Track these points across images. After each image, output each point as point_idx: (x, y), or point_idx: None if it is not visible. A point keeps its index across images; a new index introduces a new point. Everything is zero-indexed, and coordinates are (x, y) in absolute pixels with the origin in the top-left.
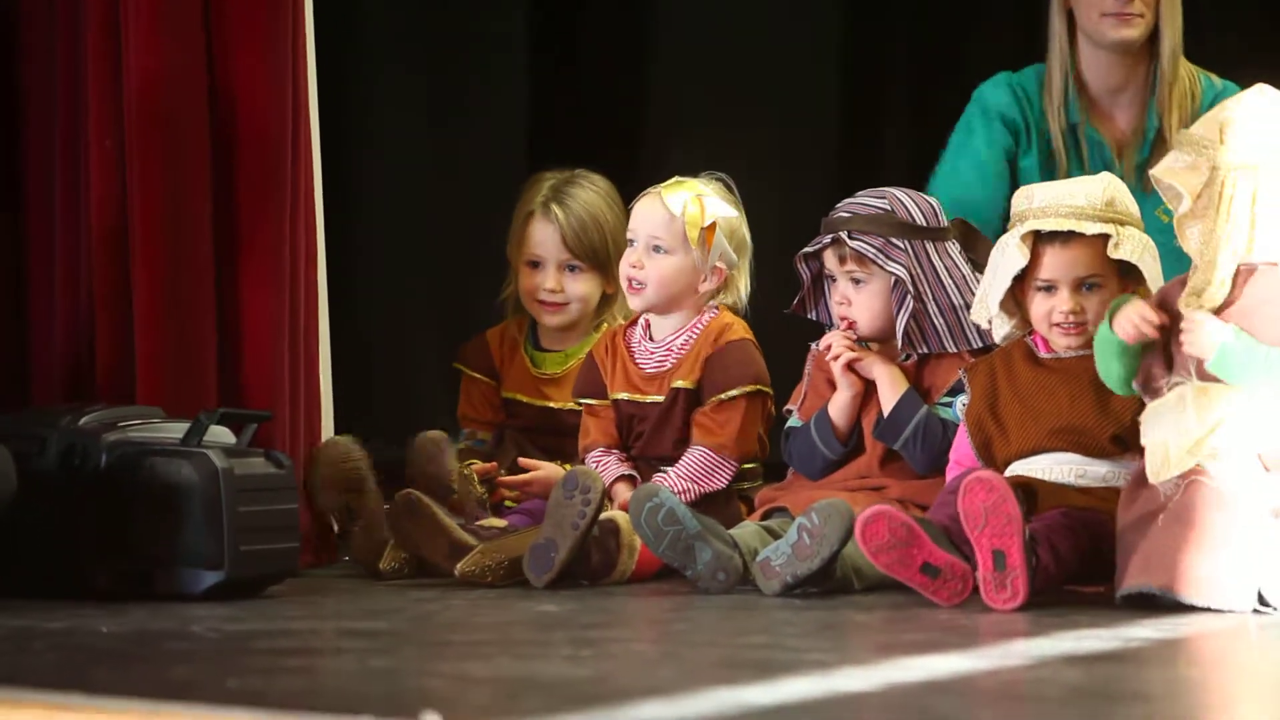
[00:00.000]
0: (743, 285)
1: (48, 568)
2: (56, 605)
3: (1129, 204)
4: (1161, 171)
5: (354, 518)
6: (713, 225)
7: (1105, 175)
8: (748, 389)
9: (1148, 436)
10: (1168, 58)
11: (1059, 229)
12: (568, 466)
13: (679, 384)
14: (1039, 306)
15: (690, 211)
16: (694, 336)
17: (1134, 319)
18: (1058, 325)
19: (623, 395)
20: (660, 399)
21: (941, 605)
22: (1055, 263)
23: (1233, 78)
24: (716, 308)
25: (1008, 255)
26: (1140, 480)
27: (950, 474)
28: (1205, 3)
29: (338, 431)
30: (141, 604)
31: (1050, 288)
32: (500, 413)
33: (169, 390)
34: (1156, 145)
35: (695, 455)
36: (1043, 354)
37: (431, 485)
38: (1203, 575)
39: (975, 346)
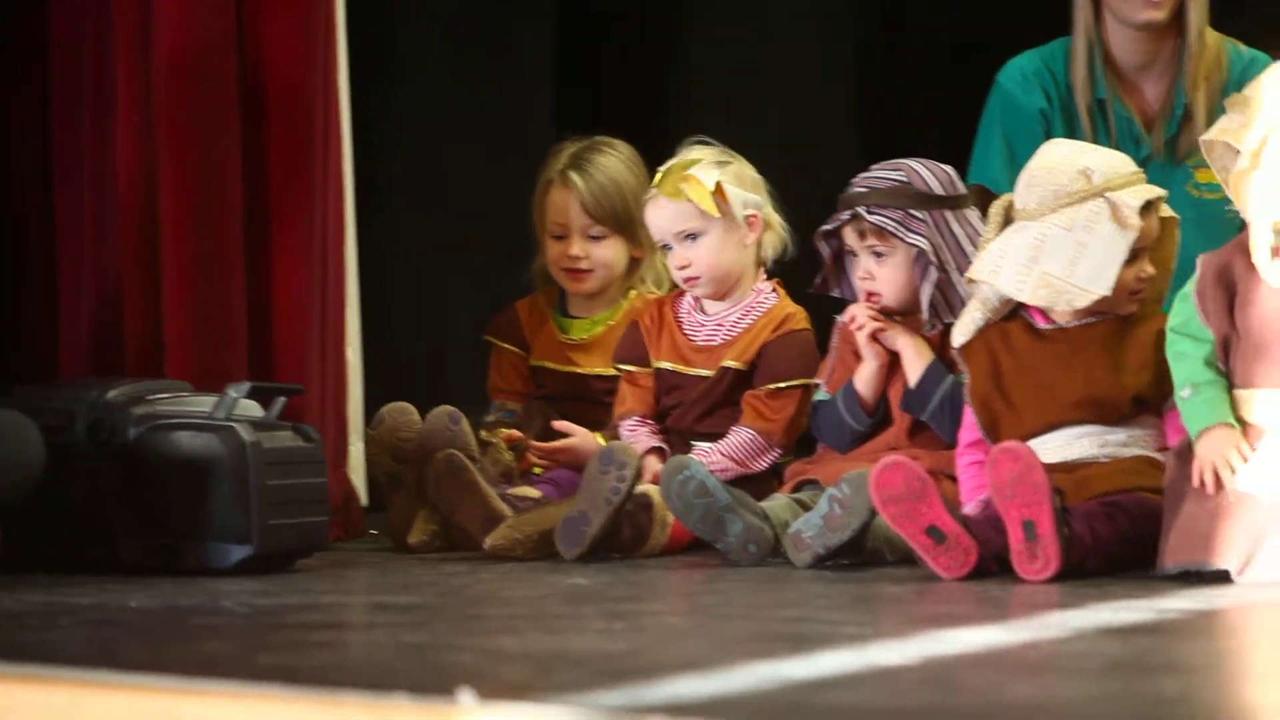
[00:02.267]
0: (775, 219)
1: (76, 542)
2: (85, 580)
3: None
4: (1214, 133)
5: (397, 487)
6: (718, 185)
7: (1088, 145)
8: (806, 381)
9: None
10: (1194, 34)
11: (1155, 196)
12: (599, 435)
13: (729, 363)
14: (1123, 274)
15: (692, 190)
16: (750, 315)
17: (1220, 461)
18: (1135, 293)
19: (666, 365)
20: (705, 373)
21: (940, 575)
22: (1147, 230)
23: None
24: (775, 290)
25: (1105, 231)
26: (1189, 449)
27: (960, 459)
28: None
29: (366, 405)
30: (170, 579)
31: (1135, 254)
32: (530, 383)
33: (198, 364)
34: (1185, 120)
35: (744, 436)
36: (1042, 325)
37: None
38: (1256, 557)
39: None
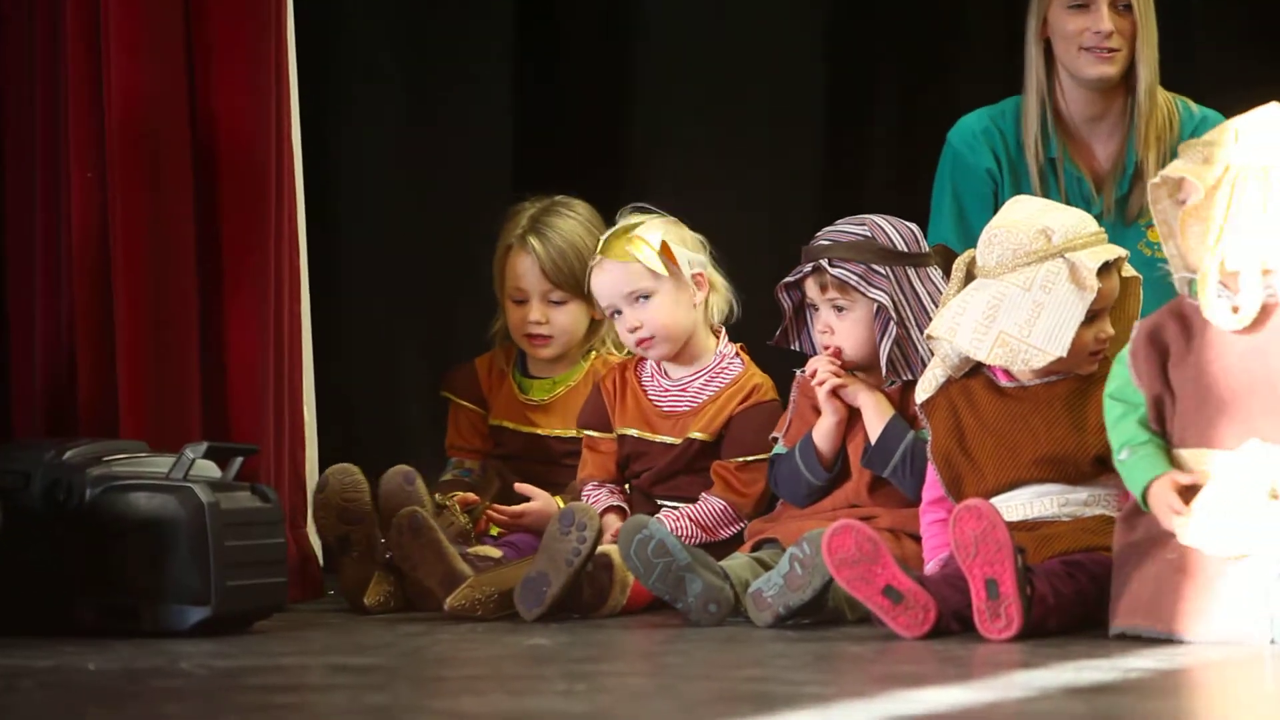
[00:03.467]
0: (720, 281)
1: (32, 604)
2: (42, 642)
3: None
4: (1173, 169)
5: (348, 549)
6: (664, 244)
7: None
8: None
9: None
10: (1144, 92)
11: (1114, 258)
12: (559, 498)
13: (696, 434)
14: (1082, 335)
15: (641, 252)
16: (715, 381)
17: (1165, 510)
18: (1094, 354)
19: (631, 431)
20: (670, 440)
21: (901, 635)
22: (1105, 291)
23: (1222, 99)
24: (738, 354)
25: (1063, 292)
26: (1138, 509)
27: (924, 516)
28: (1196, 22)
29: (322, 464)
30: (127, 640)
31: (1093, 316)
32: (489, 441)
33: (152, 423)
34: (1136, 179)
35: (714, 505)
36: (1004, 383)
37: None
38: (1207, 613)
39: None
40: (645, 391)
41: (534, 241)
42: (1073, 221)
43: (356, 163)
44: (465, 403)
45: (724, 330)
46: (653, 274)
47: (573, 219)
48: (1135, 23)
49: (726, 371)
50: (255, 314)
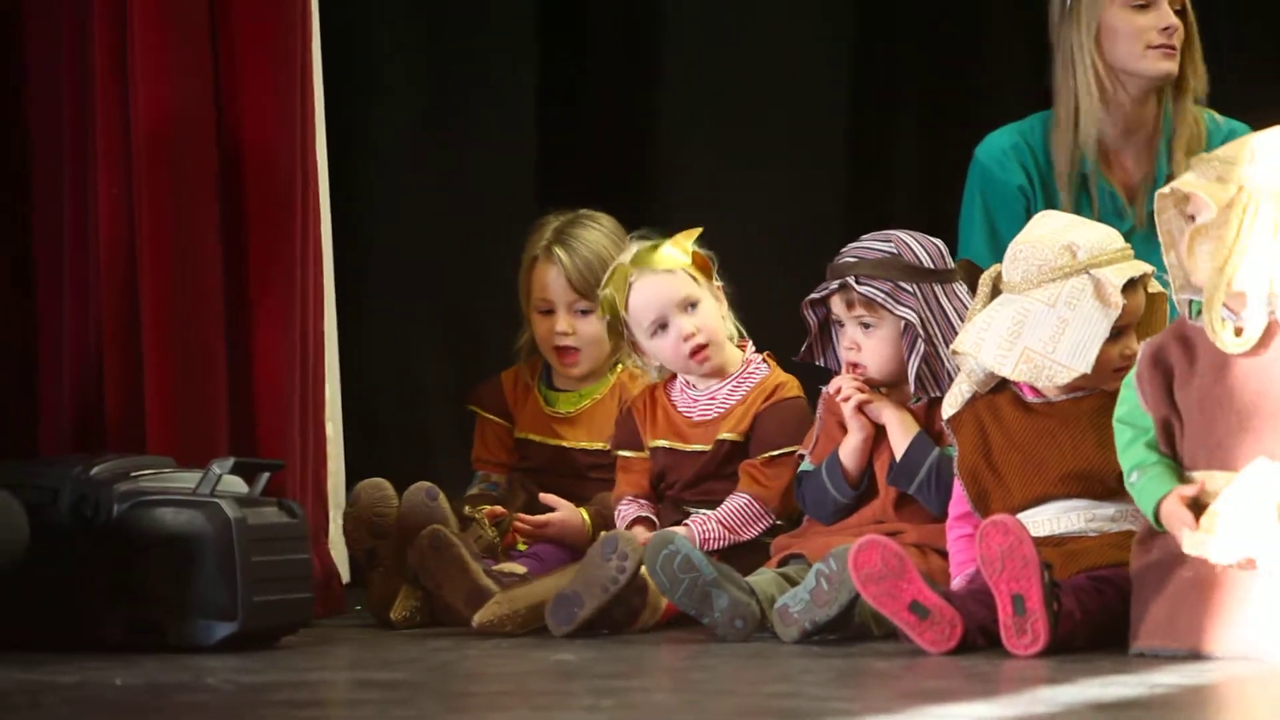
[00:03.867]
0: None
1: (59, 619)
2: (68, 658)
3: None
4: (1184, 183)
5: (376, 563)
6: (695, 253)
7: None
8: (799, 449)
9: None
10: (1191, 98)
11: (1139, 274)
12: (584, 510)
13: (725, 435)
14: (1105, 352)
15: (682, 259)
16: (742, 387)
17: (1177, 525)
18: (1120, 369)
19: (662, 443)
20: (702, 448)
21: (927, 650)
22: (1131, 307)
23: (1249, 118)
24: (765, 361)
25: (1088, 308)
26: (1152, 530)
27: (950, 531)
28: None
29: (349, 479)
30: (154, 656)
31: (1119, 331)
32: (514, 455)
33: (179, 438)
34: None
35: (739, 503)
36: (1031, 399)
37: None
38: (1233, 632)
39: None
40: (675, 405)
41: (560, 252)
42: (1098, 238)
43: (381, 176)
44: (491, 416)
45: (749, 341)
46: (696, 281)
47: (598, 230)
48: (1187, 26)
49: (753, 376)
50: (281, 327)
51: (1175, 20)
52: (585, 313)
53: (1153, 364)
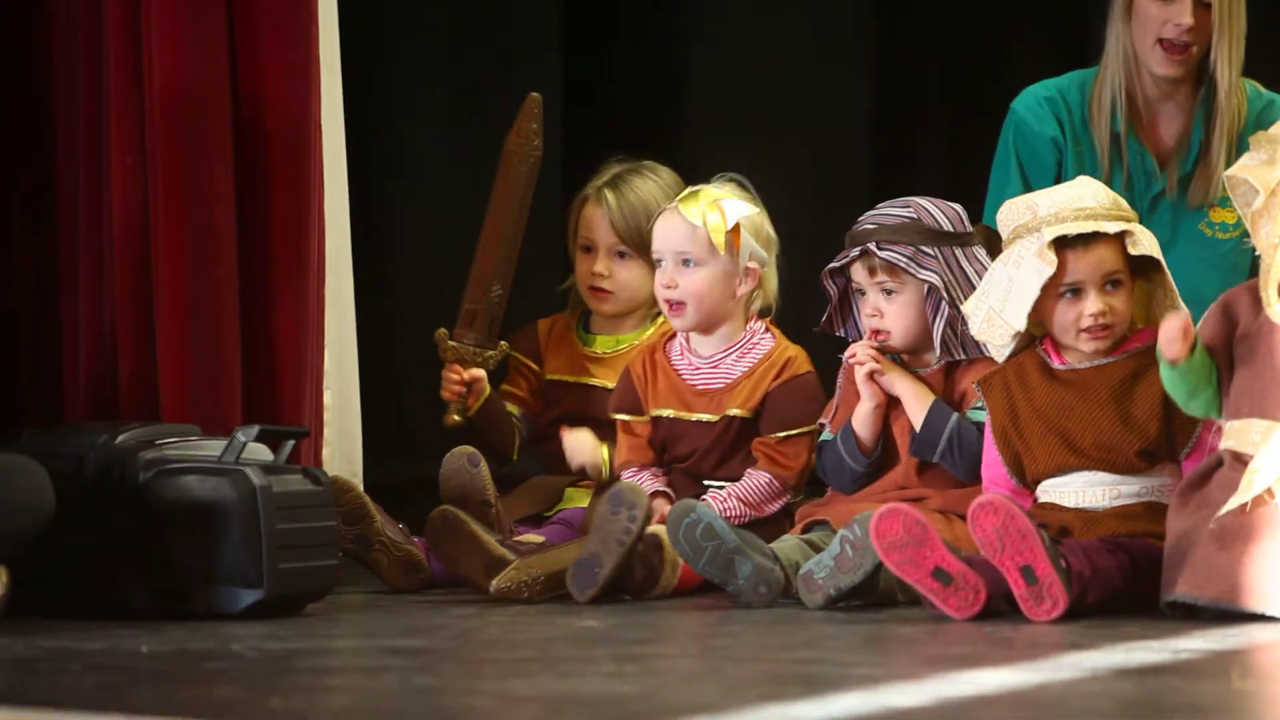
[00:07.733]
0: (773, 282)
1: (85, 587)
2: (94, 625)
3: (1125, 202)
4: (1237, 169)
5: (369, 546)
6: (736, 227)
7: (1086, 179)
8: (814, 428)
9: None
10: (1224, 93)
11: (1084, 231)
12: (604, 447)
13: (735, 412)
14: (1064, 314)
15: (712, 219)
16: (747, 357)
17: (1164, 342)
18: (1086, 330)
19: (666, 412)
20: (708, 418)
21: (951, 616)
22: (1081, 265)
23: None
24: (768, 329)
25: (1029, 267)
26: (1194, 483)
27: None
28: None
29: (373, 455)
30: (180, 623)
31: (1076, 291)
32: (539, 400)
33: (193, 406)
34: (1201, 157)
35: (760, 480)
36: (1056, 365)
37: (466, 501)
38: (1267, 587)
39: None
40: (677, 371)
41: (609, 195)
42: (1063, 198)
43: (407, 157)
44: (520, 356)
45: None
46: (711, 246)
47: (654, 181)
48: (1213, 23)
49: (758, 347)
50: (296, 298)
51: (1190, 19)
52: (624, 255)
53: (1222, 310)
